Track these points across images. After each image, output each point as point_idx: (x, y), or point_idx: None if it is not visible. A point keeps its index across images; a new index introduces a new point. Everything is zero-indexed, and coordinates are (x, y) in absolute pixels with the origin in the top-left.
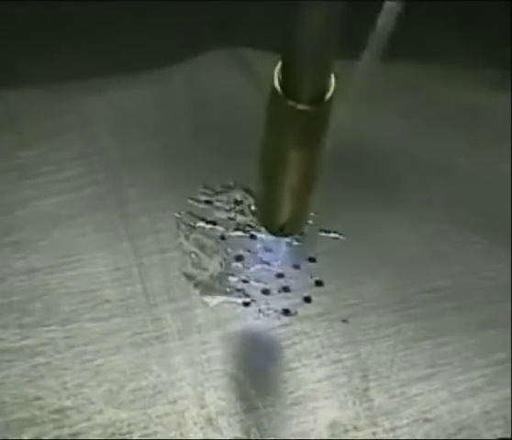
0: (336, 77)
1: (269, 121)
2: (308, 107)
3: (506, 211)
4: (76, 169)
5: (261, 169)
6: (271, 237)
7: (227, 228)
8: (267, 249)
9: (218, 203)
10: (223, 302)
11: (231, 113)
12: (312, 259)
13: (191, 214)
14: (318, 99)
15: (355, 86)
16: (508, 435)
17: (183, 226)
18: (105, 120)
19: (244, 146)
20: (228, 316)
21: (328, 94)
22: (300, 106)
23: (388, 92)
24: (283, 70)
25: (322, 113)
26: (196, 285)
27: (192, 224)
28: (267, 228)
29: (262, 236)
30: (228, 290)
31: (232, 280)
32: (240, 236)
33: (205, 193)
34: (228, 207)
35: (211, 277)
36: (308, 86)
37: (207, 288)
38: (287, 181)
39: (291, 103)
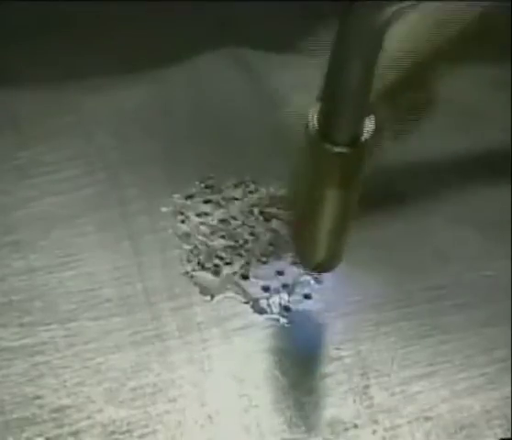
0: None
1: (305, 162)
2: (346, 150)
3: (507, 209)
4: (76, 169)
5: (297, 208)
6: None
7: (227, 227)
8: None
9: (219, 203)
10: (223, 300)
11: (231, 113)
12: None
13: (191, 213)
14: (356, 140)
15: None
16: (509, 435)
17: (183, 226)
18: (105, 120)
19: (244, 146)
20: (228, 314)
21: (366, 135)
22: (338, 149)
23: None
24: (320, 112)
25: (359, 154)
26: (196, 283)
27: (192, 223)
28: (303, 266)
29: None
30: (228, 287)
31: (232, 278)
32: (241, 234)
33: (205, 193)
34: (228, 206)
35: (211, 275)
36: (347, 129)
37: (207, 286)
38: (323, 221)
39: (328, 146)
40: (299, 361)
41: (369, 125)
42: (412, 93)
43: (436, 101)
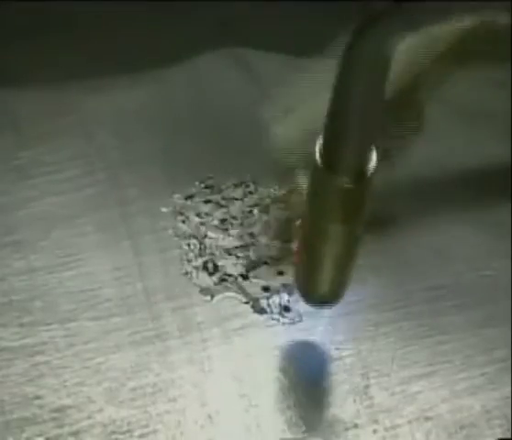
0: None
1: (310, 195)
2: (351, 185)
3: (507, 208)
4: (76, 169)
5: (302, 240)
6: None
7: (227, 227)
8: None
9: (219, 203)
10: (223, 300)
11: (231, 113)
12: None
13: (191, 213)
14: (361, 175)
15: None
16: (509, 435)
17: (183, 226)
18: (105, 120)
19: (244, 146)
20: (228, 314)
21: (371, 170)
22: (342, 183)
23: None
24: (324, 145)
25: (364, 189)
26: (196, 283)
27: (192, 223)
28: (306, 299)
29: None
30: (228, 287)
31: (232, 277)
32: (241, 235)
33: (205, 193)
34: (228, 206)
35: (211, 275)
36: (351, 162)
37: (207, 286)
38: (328, 254)
39: (333, 179)
40: (299, 361)
41: (374, 158)
42: (400, 116)
43: (423, 122)
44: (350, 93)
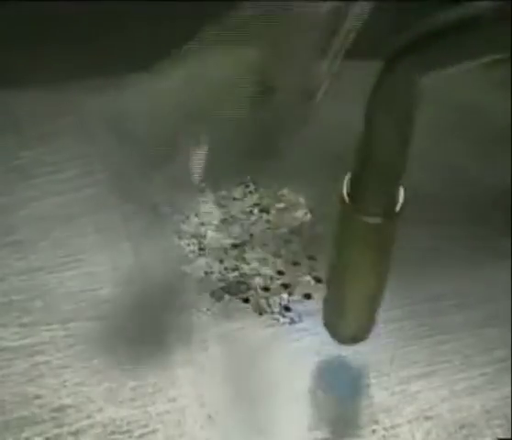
0: None
1: (340, 231)
2: (379, 220)
3: (507, 208)
4: (76, 169)
5: (331, 277)
6: None
7: (227, 227)
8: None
9: (219, 203)
10: (223, 300)
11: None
12: (312, 257)
13: (191, 213)
14: (389, 211)
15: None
16: (509, 434)
17: (183, 226)
18: (105, 120)
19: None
20: (228, 314)
21: (398, 206)
22: (370, 220)
23: None
24: (352, 183)
25: (392, 225)
26: (196, 284)
27: (192, 223)
28: (336, 337)
29: None
30: (228, 287)
31: (232, 277)
32: (241, 234)
33: (205, 193)
34: (228, 206)
35: (211, 275)
36: (379, 200)
37: (207, 286)
38: (358, 290)
39: (361, 216)
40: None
41: (401, 194)
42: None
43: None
44: (379, 136)
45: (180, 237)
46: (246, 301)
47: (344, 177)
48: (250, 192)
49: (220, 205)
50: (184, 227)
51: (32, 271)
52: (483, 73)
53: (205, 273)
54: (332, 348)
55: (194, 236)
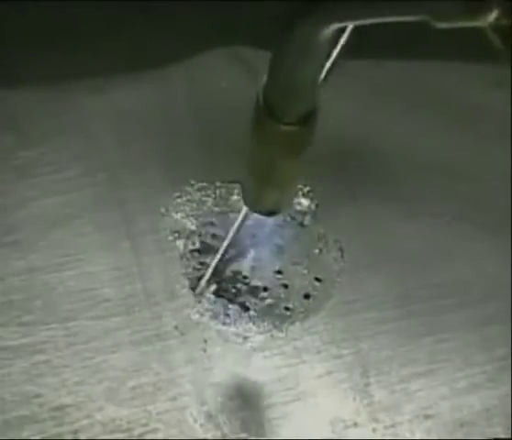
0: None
1: (254, 134)
2: (291, 128)
3: (506, 207)
4: (76, 169)
5: (250, 171)
6: None
7: (227, 227)
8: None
9: (218, 203)
10: (223, 300)
11: (231, 112)
12: (311, 256)
13: (190, 213)
14: (302, 119)
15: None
16: (509, 433)
17: (182, 225)
18: (105, 120)
19: (244, 146)
20: (228, 314)
21: (312, 116)
22: (283, 127)
23: (389, 90)
24: (266, 91)
25: (305, 131)
26: (196, 283)
27: (191, 223)
28: (254, 210)
29: None
30: (227, 287)
31: (232, 277)
32: (241, 235)
33: (204, 193)
34: (228, 206)
35: (211, 275)
36: (290, 110)
37: (207, 286)
38: (274, 180)
39: (273, 123)
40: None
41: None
42: None
43: None
44: (289, 66)
45: (180, 237)
46: (246, 300)
47: (345, 175)
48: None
49: (220, 205)
50: (184, 227)
51: (32, 271)
52: (483, 73)
53: (205, 273)
54: (333, 346)
55: (193, 235)
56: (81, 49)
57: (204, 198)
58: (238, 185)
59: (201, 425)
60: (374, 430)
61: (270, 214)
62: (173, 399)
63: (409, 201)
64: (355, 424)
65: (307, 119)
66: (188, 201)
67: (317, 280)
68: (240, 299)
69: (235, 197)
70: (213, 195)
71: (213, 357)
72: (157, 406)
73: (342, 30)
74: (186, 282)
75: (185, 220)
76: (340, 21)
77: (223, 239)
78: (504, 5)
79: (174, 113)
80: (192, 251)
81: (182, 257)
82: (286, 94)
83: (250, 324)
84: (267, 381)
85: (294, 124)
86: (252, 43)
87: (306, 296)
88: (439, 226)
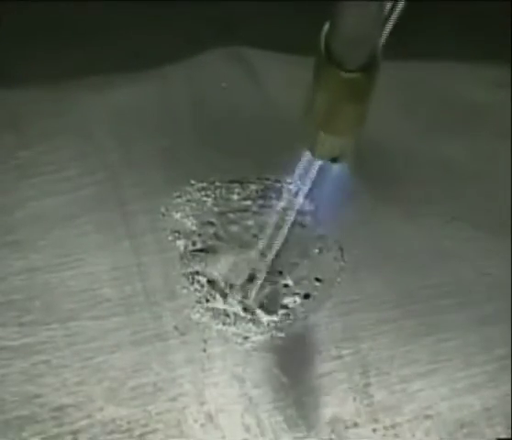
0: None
1: (317, 81)
2: (353, 75)
3: (506, 207)
4: (76, 169)
5: (313, 119)
6: None
7: (227, 227)
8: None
9: (218, 203)
10: (223, 300)
11: (231, 112)
12: (311, 256)
13: (190, 213)
14: (363, 66)
15: None
16: (509, 433)
17: (182, 225)
18: (105, 120)
19: (244, 146)
20: (228, 314)
21: (373, 63)
22: (345, 74)
23: (389, 89)
24: (328, 39)
25: (367, 78)
26: (196, 284)
27: (191, 223)
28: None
29: None
30: (227, 287)
31: (232, 277)
32: (241, 235)
33: (204, 193)
34: (228, 205)
35: (211, 275)
36: (352, 57)
37: (207, 286)
38: (336, 128)
39: (335, 70)
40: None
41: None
42: None
43: None
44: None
45: (180, 237)
46: (246, 300)
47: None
48: (250, 192)
49: (220, 205)
50: (184, 227)
51: (32, 271)
52: (483, 73)
53: (205, 273)
54: (333, 347)
55: (193, 235)
56: (81, 49)
57: (204, 198)
58: (238, 185)
59: (201, 425)
60: (375, 430)
61: (333, 160)
62: (173, 399)
63: (409, 201)
64: (355, 425)
65: (369, 66)
66: (188, 201)
67: (317, 280)
68: (240, 299)
69: (235, 197)
70: (213, 195)
71: (213, 357)
72: (157, 406)
73: None
74: (186, 282)
75: (185, 220)
76: None
77: (223, 239)
78: None
79: (174, 113)
80: (192, 251)
81: (182, 257)
82: (348, 41)
83: (250, 324)
84: (267, 382)
85: (356, 71)
86: (252, 43)
87: (306, 296)
88: (439, 226)
